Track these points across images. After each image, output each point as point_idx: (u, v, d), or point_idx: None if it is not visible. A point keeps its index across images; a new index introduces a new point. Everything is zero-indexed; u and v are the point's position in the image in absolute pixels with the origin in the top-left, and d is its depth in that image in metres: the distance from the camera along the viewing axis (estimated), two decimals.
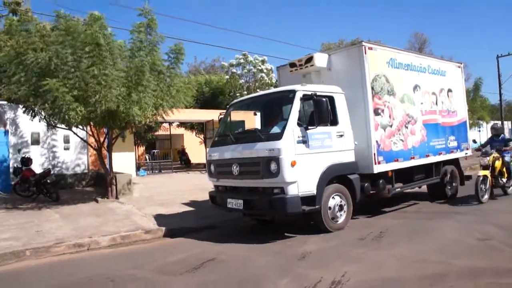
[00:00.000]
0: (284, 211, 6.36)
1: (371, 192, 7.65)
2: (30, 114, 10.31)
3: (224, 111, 8.36)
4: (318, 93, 6.65)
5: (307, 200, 6.41)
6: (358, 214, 7.84)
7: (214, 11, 72.39)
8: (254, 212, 7.22)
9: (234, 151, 6.95)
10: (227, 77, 24.15)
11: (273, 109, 7.85)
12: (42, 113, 9.94)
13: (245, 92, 22.57)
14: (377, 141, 7.47)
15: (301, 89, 6.71)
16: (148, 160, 23.58)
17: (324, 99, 6.65)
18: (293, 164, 6.20)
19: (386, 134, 7.73)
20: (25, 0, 16.82)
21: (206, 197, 8.43)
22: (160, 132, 24.85)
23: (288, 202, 6.20)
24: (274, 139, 6.36)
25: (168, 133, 23.82)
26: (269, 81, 23.94)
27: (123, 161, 15.31)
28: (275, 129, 6.71)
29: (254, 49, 65.73)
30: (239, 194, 6.92)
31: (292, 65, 8.31)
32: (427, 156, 8.73)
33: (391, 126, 7.87)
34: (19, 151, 13.73)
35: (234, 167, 6.82)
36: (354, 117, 7.30)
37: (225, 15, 75.04)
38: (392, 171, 7.87)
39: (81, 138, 12.16)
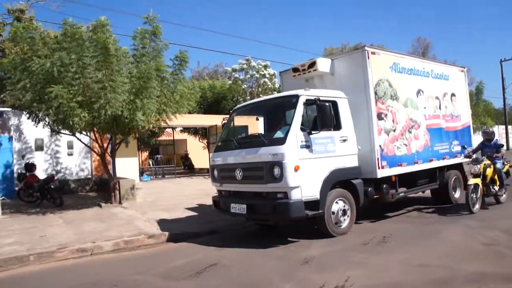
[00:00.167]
0: (288, 216, 6.34)
1: (374, 196, 7.62)
2: (34, 120, 10.37)
3: (228, 116, 8.37)
4: (321, 98, 6.65)
5: (311, 204, 6.40)
6: (362, 218, 7.81)
7: (215, 17, 72.72)
8: (257, 217, 7.21)
9: (238, 156, 6.96)
10: (230, 82, 24.22)
11: (276, 114, 7.85)
12: (46, 119, 10.00)
13: (248, 97, 22.61)
14: (380, 146, 7.45)
15: (304, 94, 6.71)
16: (151, 165, 23.61)
17: (327, 104, 6.66)
18: (296, 169, 6.20)
19: (390, 139, 7.72)
20: (29, 8, 16.99)
21: (209, 202, 8.45)
22: (163, 138, 24.89)
23: (291, 206, 6.19)
24: (278, 144, 6.37)
25: (172, 138, 23.86)
26: (272, 86, 23.97)
27: (127, 166, 15.37)
28: (279, 134, 6.72)
29: (257, 54, 65.96)
30: (242, 199, 6.91)
31: (295, 70, 8.32)
32: (431, 160, 8.70)
33: (394, 130, 7.85)
34: (23, 157, 13.80)
35: (238, 172, 6.83)
36: (357, 122, 7.29)
37: (227, 20, 75.37)
38: (395, 175, 7.85)
39: (85, 144, 12.21)
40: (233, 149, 7.11)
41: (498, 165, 8.88)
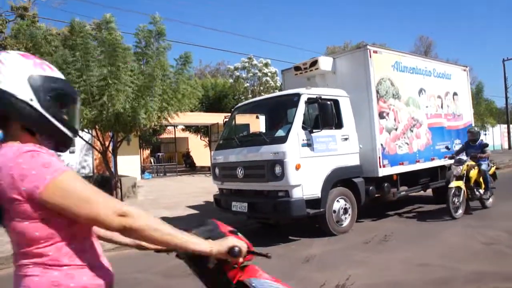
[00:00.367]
0: (289, 214, 6.35)
1: (376, 195, 7.62)
2: None
3: (229, 114, 8.38)
4: (323, 97, 6.64)
5: (312, 203, 6.40)
6: (363, 217, 7.81)
7: (217, 15, 72.66)
8: (258, 215, 7.21)
9: (239, 154, 6.96)
10: (231, 80, 24.22)
11: (278, 112, 7.85)
12: None
13: (250, 96, 22.61)
14: (382, 145, 7.45)
15: (306, 93, 6.71)
16: (153, 163, 23.64)
17: (328, 103, 6.66)
18: (297, 167, 6.20)
19: (391, 138, 7.71)
20: (32, 5, 17.00)
21: (210, 200, 8.45)
22: (165, 136, 24.91)
23: (292, 205, 6.20)
24: (279, 142, 6.37)
25: (173, 136, 23.88)
26: (274, 85, 23.97)
27: (128, 164, 15.38)
28: (280, 133, 6.72)
29: (259, 53, 65.88)
30: (243, 197, 6.92)
31: (297, 68, 8.32)
32: (433, 159, 8.69)
33: (396, 129, 7.84)
34: None
35: (239, 170, 6.83)
36: (359, 121, 7.29)
37: (229, 19, 75.35)
38: (397, 174, 7.84)
39: (87, 142, 12.23)
40: (235, 148, 7.11)
41: (483, 167, 8.26)
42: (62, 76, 1.41)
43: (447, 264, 4.90)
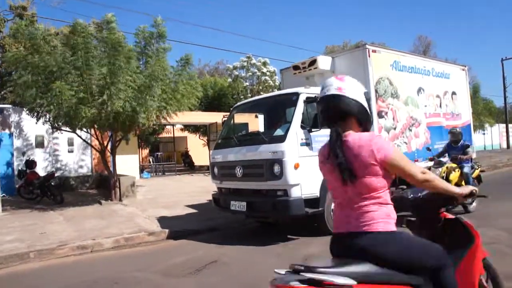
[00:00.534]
0: (288, 213, 6.35)
1: None
2: (35, 116, 10.38)
3: (228, 113, 8.37)
4: None
5: (311, 202, 6.39)
6: None
7: (217, 15, 72.59)
8: (257, 214, 7.21)
9: (238, 154, 6.96)
10: (230, 80, 24.20)
11: (277, 111, 7.85)
12: (47, 115, 10.02)
13: (249, 95, 22.60)
14: None
15: (305, 92, 6.70)
16: (151, 163, 23.64)
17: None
18: (296, 166, 6.19)
19: (390, 137, 7.72)
20: (31, 5, 16.97)
21: (209, 199, 8.45)
22: (163, 135, 24.90)
23: (291, 204, 6.20)
24: (278, 141, 6.36)
25: (172, 135, 23.86)
26: (273, 84, 23.97)
27: (127, 163, 15.37)
28: (279, 132, 6.71)
29: (258, 52, 65.81)
30: (242, 196, 6.91)
31: (296, 67, 8.32)
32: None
33: (394, 128, 7.85)
34: (23, 154, 13.79)
35: (238, 170, 6.83)
36: None
37: (229, 18, 75.31)
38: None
39: (85, 141, 12.22)
40: (233, 147, 7.10)
41: (466, 169, 7.83)
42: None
43: None
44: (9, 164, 13.46)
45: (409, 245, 2.09)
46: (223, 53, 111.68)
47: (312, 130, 6.50)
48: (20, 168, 12.63)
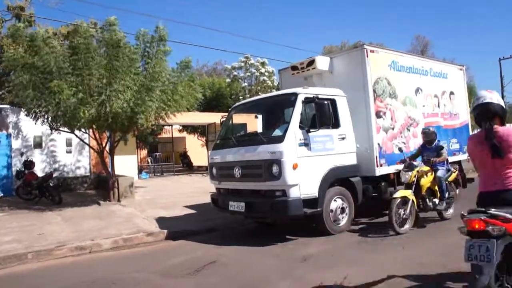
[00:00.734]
0: (286, 214, 6.36)
1: (373, 194, 7.62)
2: (33, 117, 10.36)
3: (226, 114, 8.37)
4: (320, 96, 6.65)
5: (309, 202, 6.40)
6: (360, 217, 7.82)
7: (216, 15, 72.53)
8: (255, 215, 7.21)
9: (236, 154, 6.96)
10: (228, 80, 24.20)
11: (275, 112, 7.85)
12: (46, 116, 10.00)
13: (247, 95, 22.61)
14: (379, 144, 7.47)
15: (303, 92, 6.71)
16: (150, 163, 23.61)
17: (326, 102, 6.67)
18: (295, 167, 6.20)
19: (388, 137, 7.73)
20: (29, 5, 16.93)
21: (208, 199, 8.45)
22: (162, 135, 24.87)
23: (290, 204, 6.20)
24: (276, 142, 6.37)
25: (170, 136, 23.84)
26: (271, 84, 23.98)
27: (125, 164, 15.35)
28: (277, 132, 6.72)
29: (257, 53, 65.65)
30: (241, 197, 6.92)
31: (294, 68, 8.33)
32: None
33: (393, 128, 7.86)
34: (21, 154, 13.76)
35: (236, 170, 6.83)
36: (356, 120, 7.30)
37: (228, 19, 75.25)
38: (394, 173, 7.85)
39: (84, 141, 12.20)
40: (232, 147, 7.11)
41: (439, 173, 7.11)
42: None
43: (445, 263, 4.90)
44: (7, 165, 13.43)
45: None
46: (222, 53, 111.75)
47: (311, 130, 6.52)
48: (18, 169, 12.60)
